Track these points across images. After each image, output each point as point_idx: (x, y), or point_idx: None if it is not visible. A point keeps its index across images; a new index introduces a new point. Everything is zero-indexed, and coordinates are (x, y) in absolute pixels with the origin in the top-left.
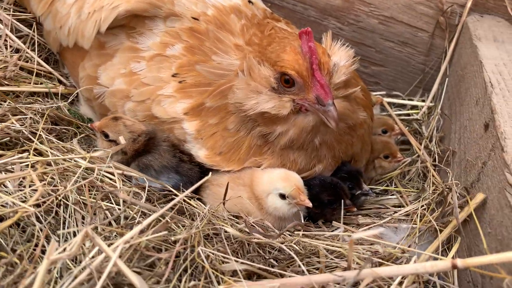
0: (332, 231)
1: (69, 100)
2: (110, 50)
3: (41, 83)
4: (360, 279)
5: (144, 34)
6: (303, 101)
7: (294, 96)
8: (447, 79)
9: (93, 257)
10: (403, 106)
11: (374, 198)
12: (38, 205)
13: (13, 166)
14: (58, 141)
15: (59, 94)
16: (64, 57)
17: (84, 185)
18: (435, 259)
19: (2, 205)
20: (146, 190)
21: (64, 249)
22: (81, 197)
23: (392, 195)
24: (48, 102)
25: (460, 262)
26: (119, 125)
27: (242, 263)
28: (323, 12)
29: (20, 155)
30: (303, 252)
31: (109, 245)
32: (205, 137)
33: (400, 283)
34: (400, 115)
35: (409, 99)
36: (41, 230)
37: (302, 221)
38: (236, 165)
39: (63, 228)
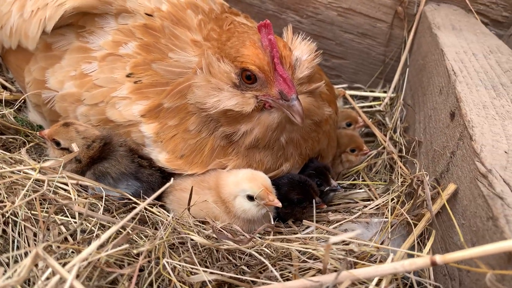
0: (303, 230)
1: (15, 107)
2: (58, 52)
3: None
4: (338, 282)
5: (94, 33)
6: (266, 97)
7: (257, 92)
8: (407, 69)
9: (47, 278)
10: (365, 98)
11: (343, 193)
12: None
13: None
14: (4, 152)
15: (3, 101)
16: (7, 61)
17: (35, 198)
18: (410, 255)
19: None
20: (104, 200)
21: (13, 273)
22: (32, 212)
23: (360, 188)
24: None
25: (439, 258)
26: (71, 132)
27: (211, 273)
28: (280, 5)
29: None
30: (275, 256)
31: (64, 265)
32: (165, 139)
33: (378, 283)
34: (363, 107)
35: (370, 91)
36: None
37: (272, 223)
38: (200, 168)
39: (13, 249)
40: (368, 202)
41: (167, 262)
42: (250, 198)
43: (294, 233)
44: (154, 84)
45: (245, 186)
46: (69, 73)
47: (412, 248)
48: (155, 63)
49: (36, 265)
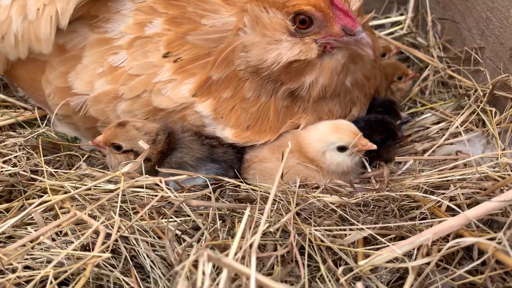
0: (400, 167)
1: (51, 122)
2: (75, 51)
3: (2, 115)
4: None
5: (111, 20)
6: (327, 38)
7: (315, 36)
8: None
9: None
10: (381, 26)
11: (411, 124)
12: (102, 251)
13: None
14: (65, 171)
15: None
16: (16, 77)
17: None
18: None
19: (55, 266)
20: (212, 188)
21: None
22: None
23: (422, 113)
24: (21, 133)
25: None
26: (130, 130)
27: (367, 228)
28: None
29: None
30: (400, 198)
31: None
32: (225, 114)
33: None
34: (384, 35)
35: (385, 18)
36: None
37: (368, 167)
38: (271, 134)
39: (144, 270)
40: (440, 125)
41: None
42: (341, 149)
43: (392, 172)
44: (196, 57)
45: (332, 138)
46: (96, 71)
47: None
48: (189, 34)
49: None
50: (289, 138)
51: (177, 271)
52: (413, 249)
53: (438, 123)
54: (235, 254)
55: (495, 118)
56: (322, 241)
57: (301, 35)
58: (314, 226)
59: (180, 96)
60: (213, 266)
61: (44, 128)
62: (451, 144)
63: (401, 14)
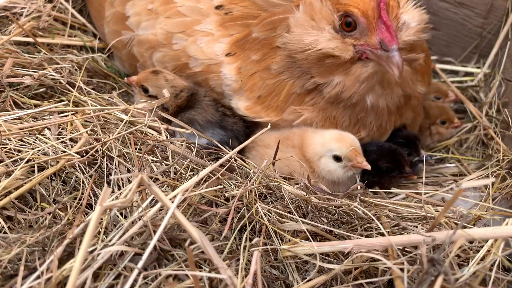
0: (391, 197)
1: (106, 53)
2: None
3: (75, 36)
4: (453, 240)
5: None
6: (365, 46)
7: (355, 41)
8: (508, 42)
9: (146, 208)
10: (455, 73)
11: (431, 167)
12: (81, 155)
13: (50, 117)
14: (97, 93)
15: (95, 49)
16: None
17: (128, 136)
18: None
19: (42, 153)
20: (196, 144)
21: (117, 197)
22: (125, 150)
23: (450, 163)
24: (83, 55)
25: None
26: (160, 79)
27: (305, 222)
28: None
29: (57, 104)
30: (365, 217)
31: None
32: (245, 77)
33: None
34: (453, 82)
35: (462, 66)
36: (84, 181)
37: (359, 185)
38: (275, 114)
39: (106, 180)
40: (459, 177)
41: (260, 207)
42: (337, 158)
43: (382, 198)
44: (245, 16)
45: (332, 146)
46: (146, 6)
47: None
48: None
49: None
50: (297, 133)
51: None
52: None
53: (458, 175)
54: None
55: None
56: (262, 217)
57: (343, 35)
58: (267, 206)
59: (212, 52)
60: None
61: (98, 55)
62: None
63: (478, 67)
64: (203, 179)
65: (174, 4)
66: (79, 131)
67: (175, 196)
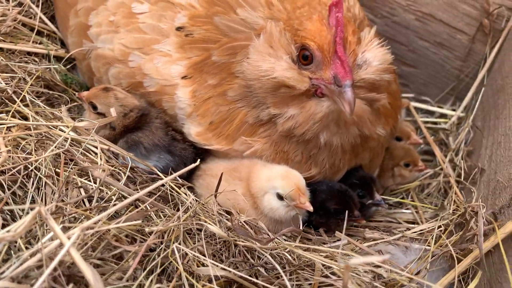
0: (334, 241)
1: (62, 62)
2: None
3: (40, 43)
4: None
5: None
6: (319, 80)
7: (311, 74)
8: (483, 88)
9: (51, 240)
10: (431, 113)
11: (386, 210)
12: (3, 172)
13: None
14: (45, 106)
15: (60, 58)
16: (55, 6)
17: (60, 155)
18: None
19: None
20: (128, 169)
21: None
22: (57, 170)
23: (407, 209)
24: (45, 64)
25: None
26: (110, 97)
27: (222, 269)
28: None
29: None
30: (296, 264)
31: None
32: (199, 101)
33: None
34: (426, 122)
35: (438, 106)
36: None
37: (301, 227)
38: (226, 142)
39: (30, 201)
40: (413, 225)
41: (177, 248)
42: (280, 197)
43: (323, 243)
44: (206, 40)
45: (276, 183)
46: (108, 18)
47: (451, 286)
48: (218, 16)
49: (41, 227)
50: (246, 165)
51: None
52: None
53: (412, 223)
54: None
55: (450, 238)
56: (176, 260)
57: (300, 67)
58: (190, 244)
59: (168, 73)
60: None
61: (56, 66)
62: (390, 243)
63: (454, 109)
64: (128, 210)
65: (136, 19)
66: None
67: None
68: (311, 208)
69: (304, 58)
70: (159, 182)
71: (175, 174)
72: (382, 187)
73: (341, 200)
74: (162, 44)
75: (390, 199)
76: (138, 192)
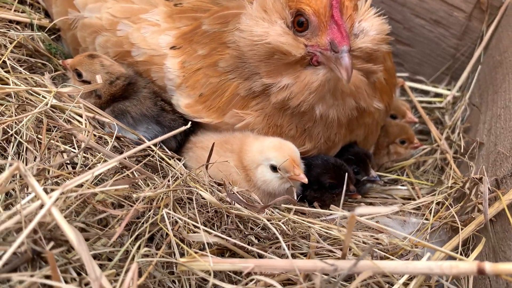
0: (328, 215)
1: (46, 30)
2: None
3: (23, 12)
4: (356, 272)
5: None
6: (315, 48)
7: (306, 41)
8: (479, 66)
9: (31, 202)
10: (426, 92)
11: (382, 187)
12: None
13: None
14: (27, 73)
15: (45, 28)
16: None
17: (42, 120)
18: (451, 259)
19: None
20: (114, 137)
21: None
22: (39, 136)
23: (403, 185)
24: (27, 32)
25: (489, 267)
26: (96, 64)
27: (215, 235)
28: None
29: None
30: (290, 234)
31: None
32: (188, 72)
33: (405, 285)
34: (421, 102)
35: (433, 86)
36: None
37: (295, 198)
38: (216, 115)
39: (8, 166)
40: (409, 201)
41: (167, 214)
42: (274, 168)
43: (318, 217)
44: (195, 9)
45: (270, 154)
46: None
47: (455, 252)
48: None
49: (23, 188)
50: (238, 137)
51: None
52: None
53: (409, 199)
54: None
55: (448, 211)
56: (166, 226)
57: (296, 34)
58: (179, 213)
59: (156, 43)
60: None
61: (37, 34)
62: (387, 217)
63: (449, 89)
64: (114, 177)
65: None
66: None
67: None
68: (305, 180)
69: (299, 24)
70: (144, 145)
71: (160, 138)
72: (377, 164)
73: (336, 174)
74: (151, 14)
75: (385, 176)
76: (125, 159)
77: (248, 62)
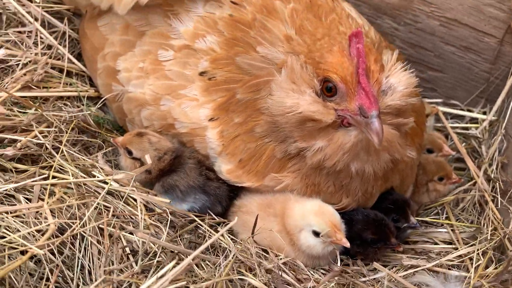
0: (371, 271)
1: (97, 106)
2: (134, 36)
3: (70, 84)
4: None
5: (179, 16)
6: (345, 112)
7: (336, 106)
8: None
9: None
10: (461, 117)
11: (422, 230)
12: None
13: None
14: (82, 156)
15: (92, 98)
16: (84, 39)
17: (104, 214)
18: None
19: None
20: (169, 220)
21: None
22: (100, 225)
23: (442, 226)
24: (78, 107)
25: None
26: (144, 142)
27: None
28: (377, 10)
29: (34, 178)
30: None
31: None
32: (227, 140)
33: None
34: (456, 127)
35: (468, 110)
36: (51, 271)
37: (338, 263)
38: (256, 179)
39: (79, 265)
40: (450, 246)
41: None
42: (316, 233)
43: (362, 275)
44: (228, 80)
45: (311, 220)
46: (137, 65)
47: None
48: (239, 56)
49: None
50: (280, 200)
51: None
52: None
53: (450, 243)
54: None
55: (488, 269)
56: None
57: (325, 99)
58: None
59: (196, 117)
60: None
61: (87, 112)
62: (430, 272)
63: (484, 112)
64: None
65: (162, 67)
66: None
67: None
68: (347, 244)
69: (328, 90)
70: (213, 239)
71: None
72: (417, 202)
73: (378, 229)
74: (189, 90)
75: (425, 220)
76: (179, 244)
77: (282, 127)
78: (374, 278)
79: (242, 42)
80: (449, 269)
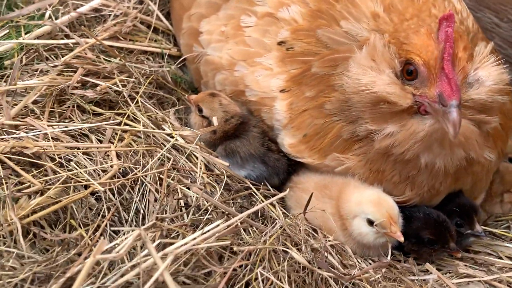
0: (422, 270)
1: (175, 65)
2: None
3: (155, 41)
4: None
5: None
6: (423, 98)
7: (414, 91)
8: None
9: (146, 255)
10: None
11: (487, 241)
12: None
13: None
14: (156, 109)
15: (174, 57)
16: (171, 7)
17: (162, 172)
18: None
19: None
20: (224, 184)
21: (114, 246)
22: (161, 175)
23: (511, 240)
24: (159, 63)
25: None
26: (215, 102)
27: None
28: (479, 3)
29: (108, 122)
30: None
31: (164, 247)
32: (295, 113)
33: None
34: None
35: None
36: (108, 209)
37: (389, 256)
38: (318, 156)
39: (135, 208)
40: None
41: (260, 273)
42: (370, 222)
43: (411, 273)
44: (306, 53)
45: (367, 209)
46: (219, 28)
47: None
48: (321, 29)
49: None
50: (338, 184)
51: None
52: None
53: None
54: None
55: None
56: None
57: (404, 82)
58: (272, 267)
59: (267, 86)
60: None
61: (166, 68)
62: (487, 284)
63: None
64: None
65: (242, 32)
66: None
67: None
68: (402, 239)
69: (408, 73)
70: (263, 204)
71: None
72: (487, 212)
73: (437, 230)
74: (264, 58)
75: (493, 231)
76: (231, 206)
77: (354, 107)
78: (424, 279)
79: (326, 14)
80: (508, 286)
